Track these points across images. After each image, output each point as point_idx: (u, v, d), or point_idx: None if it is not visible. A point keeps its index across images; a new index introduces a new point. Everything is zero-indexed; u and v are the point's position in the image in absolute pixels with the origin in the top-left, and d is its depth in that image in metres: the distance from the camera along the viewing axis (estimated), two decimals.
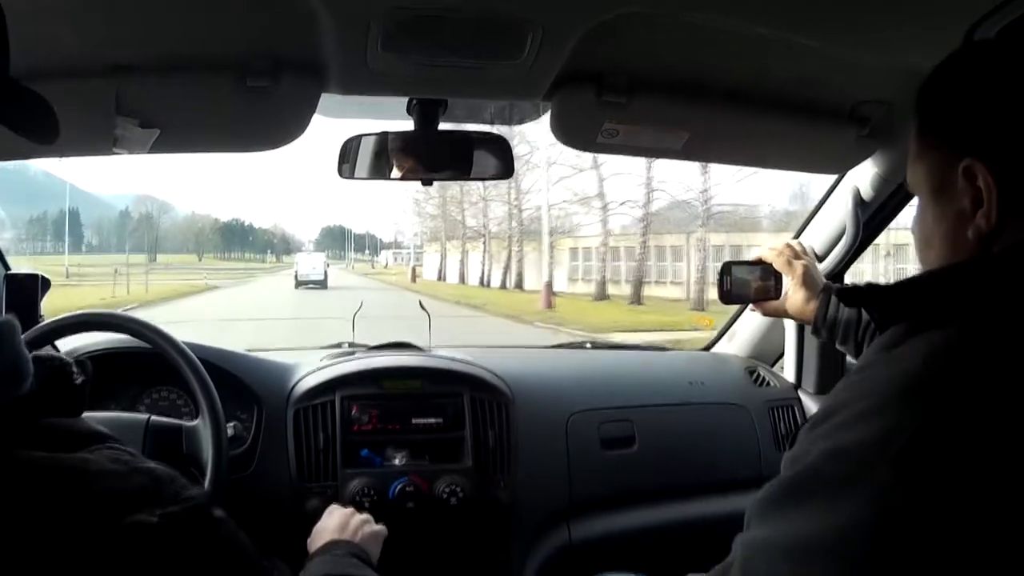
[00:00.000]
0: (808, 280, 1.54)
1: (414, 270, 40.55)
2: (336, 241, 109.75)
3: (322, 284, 32.68)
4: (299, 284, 32.72)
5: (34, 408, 0.73)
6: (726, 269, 1.63)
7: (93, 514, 0.66)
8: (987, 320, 0.67)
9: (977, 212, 0.74)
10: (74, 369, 0.82)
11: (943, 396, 0.63)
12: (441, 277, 37.15)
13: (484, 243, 32.07)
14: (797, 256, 1.58)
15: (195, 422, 1.53)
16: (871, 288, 0.81)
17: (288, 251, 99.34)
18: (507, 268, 29.83)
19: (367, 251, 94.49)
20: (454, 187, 30.07)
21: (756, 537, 0.70)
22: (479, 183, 25.71)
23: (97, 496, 0.67)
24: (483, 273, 32.25)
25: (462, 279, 34.31)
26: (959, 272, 0.75)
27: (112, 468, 0.71)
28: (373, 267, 73.05)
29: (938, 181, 0.79)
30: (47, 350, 1.62)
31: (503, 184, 26.21)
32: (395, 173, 1.57)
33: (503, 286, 29.40)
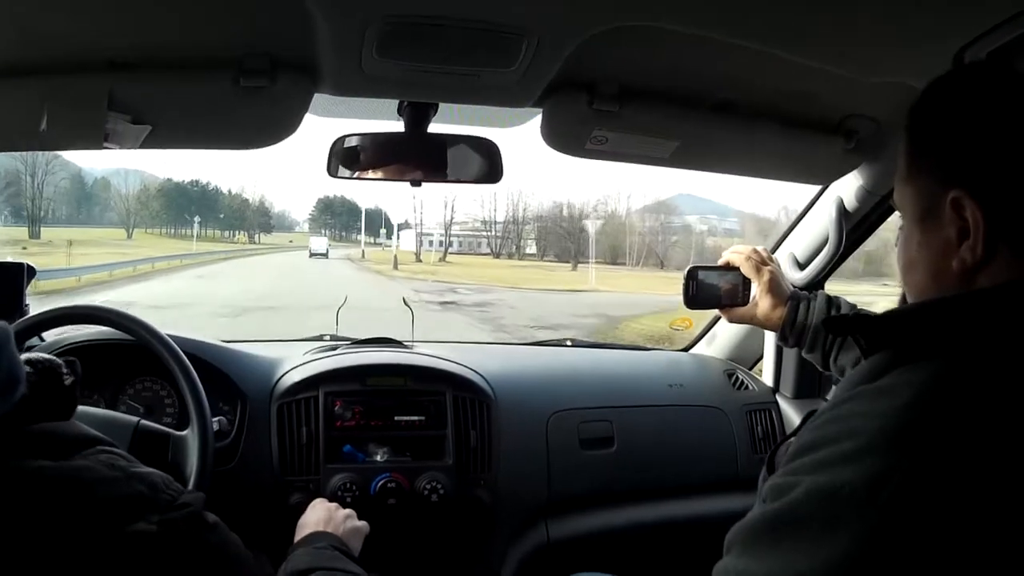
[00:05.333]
0: (775, 287, 1.52)
1: None
2: (338, 218, 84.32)
3: (325, 256, 48.47)
4: (312, 255, 48.04)
5: (28, 413, 0.74)
6: (692, 274, 1.60)
7: (94, 523, 0.67)
8: (971, 360, 0.68)
9: (963, 244, 0.73)
10: (64, 370, 0.82)
11: (929, 441, 0.63)
12: None
13: None
14: (764, 262, 1.55)
15: (183, 432, 1.52)
16: (858, 318, 0.82)
17: (267, 228, 77.50)
18: None
19: (379, 232, 71.07)
20: None
21: (737, 568, 0.70)
22: None
23: (97, 504, 0.68)
24: None
25: None
26: (946, 307, 0.75)
27: (110, 475, 0.72)
28: (418, 259, 49.88)
29: (925, 207, 0.78)
30: (35, 350, 1.62)
31: None
32: (382, 173, 1.57)
33: None
